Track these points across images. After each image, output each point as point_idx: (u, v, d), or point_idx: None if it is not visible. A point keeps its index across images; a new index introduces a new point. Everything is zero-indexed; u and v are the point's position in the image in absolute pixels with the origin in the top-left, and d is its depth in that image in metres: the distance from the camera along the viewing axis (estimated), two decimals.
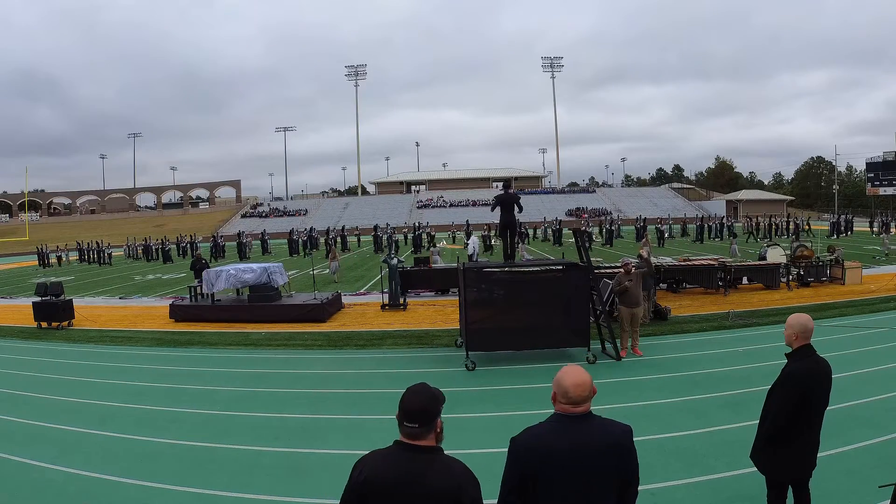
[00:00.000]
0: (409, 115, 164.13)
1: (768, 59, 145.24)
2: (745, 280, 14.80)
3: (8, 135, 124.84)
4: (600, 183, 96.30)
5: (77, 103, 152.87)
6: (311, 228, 38.85)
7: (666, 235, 35.93)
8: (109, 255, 34.31)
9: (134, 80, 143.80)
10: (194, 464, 5.29)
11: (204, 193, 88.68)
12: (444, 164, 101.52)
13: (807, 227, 35.31)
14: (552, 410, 2.24)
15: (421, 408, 2.01)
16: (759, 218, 38.57)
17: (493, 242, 28.63)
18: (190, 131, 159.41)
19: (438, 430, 2.04)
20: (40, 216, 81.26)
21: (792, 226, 35.78)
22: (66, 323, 12.87)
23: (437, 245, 22.42)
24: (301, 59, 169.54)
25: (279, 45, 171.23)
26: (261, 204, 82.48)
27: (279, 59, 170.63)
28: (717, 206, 66.98)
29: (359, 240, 42.36)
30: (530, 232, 36.73)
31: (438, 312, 13.03)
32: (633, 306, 8.58)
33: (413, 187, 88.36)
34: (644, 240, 25.24)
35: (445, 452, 2.05)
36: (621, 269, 9.00)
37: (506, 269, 9.40)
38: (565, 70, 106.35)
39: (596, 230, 32.42)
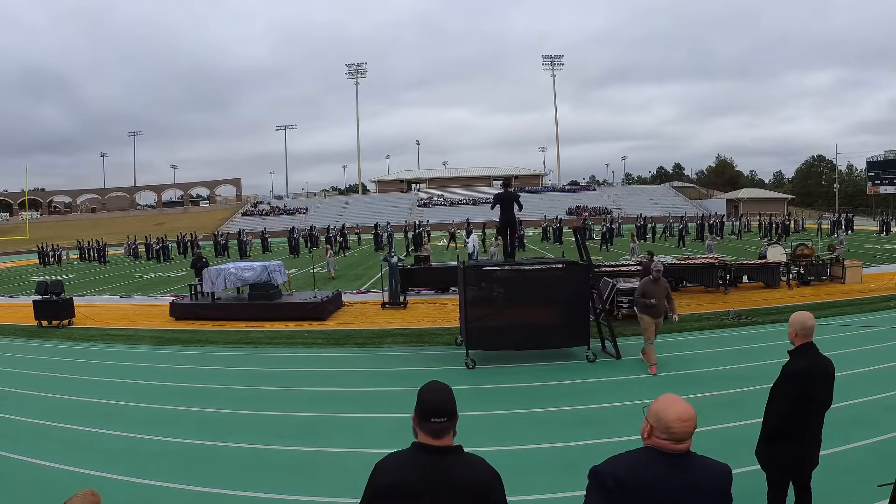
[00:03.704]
0: (411, 114, 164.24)
1: (775, 59, 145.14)
2: (745, 279, 14.82)
3: (11, 134, 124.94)
4: (601, 181, 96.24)
5: (81, 102, 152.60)
6: (311, 227, 38.91)
7: (667, 234, 35.97)
8: (99, 252, 34.12)
9: (138, 78, 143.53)
10: (199, 462, 5.32)
11: (204, 192, 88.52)
12: (444, 163, 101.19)
13: (815, 225, 35.11)
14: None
15: (446, 402, 2.00)
16: (761, 217, 38.61)
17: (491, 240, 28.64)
18: (191, 129, 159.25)
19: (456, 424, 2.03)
20: (41, 215, 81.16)
21: (792, 224, 35.74)
22: (66, 321, 12.90)
23: (428, 245, 23.16)
24: (306, 58, 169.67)
25: (285, 43, 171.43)
26: (261, 202, 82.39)
27: (284, 58, 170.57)
28: (717, 204, 66.94)
29: (359, 238, 42.36)
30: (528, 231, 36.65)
31: (438, 311, 13.05)
32: (658, 316, 7.73)
33: (413, 185, 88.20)
34: (632, 234, 25.32)
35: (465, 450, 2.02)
36: (649, 275, 7.87)
37: (506, 267, 9.42)
38: (571, 69, 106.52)
39: (597, 228, 32.49)
